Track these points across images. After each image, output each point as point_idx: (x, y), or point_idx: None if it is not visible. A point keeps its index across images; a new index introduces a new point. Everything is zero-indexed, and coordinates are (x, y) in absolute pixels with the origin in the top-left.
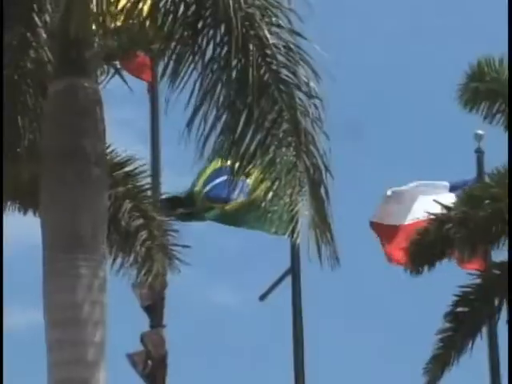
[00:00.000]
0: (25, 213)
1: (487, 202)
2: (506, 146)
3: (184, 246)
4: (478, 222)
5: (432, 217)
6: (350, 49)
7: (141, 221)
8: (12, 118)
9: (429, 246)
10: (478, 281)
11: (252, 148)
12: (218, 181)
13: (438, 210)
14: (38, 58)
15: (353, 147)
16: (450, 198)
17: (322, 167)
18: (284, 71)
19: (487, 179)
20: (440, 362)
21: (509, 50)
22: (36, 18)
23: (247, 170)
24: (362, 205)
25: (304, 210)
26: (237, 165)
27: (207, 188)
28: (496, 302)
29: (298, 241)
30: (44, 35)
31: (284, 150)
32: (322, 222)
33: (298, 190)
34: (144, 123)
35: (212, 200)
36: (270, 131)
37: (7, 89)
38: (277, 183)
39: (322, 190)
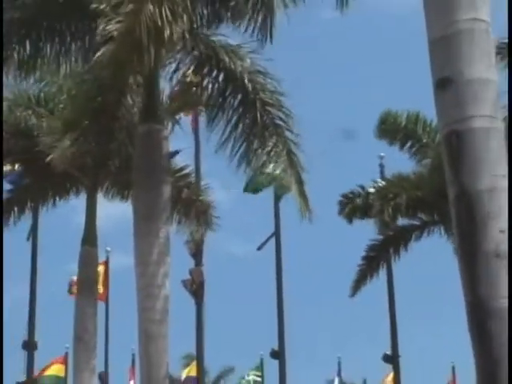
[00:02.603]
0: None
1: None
2: (400, 163)
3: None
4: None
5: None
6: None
7: (190, 200)
8: (117, 148)
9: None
10: (381, 237)
11: (263, 159)
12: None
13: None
14: (130, 111)
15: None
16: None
17: (301, 171)
18: (276, 118)
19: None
20: (357, 283)
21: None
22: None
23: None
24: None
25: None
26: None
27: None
28: (391, 251)
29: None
30: (133, 97)
31: (282, 159)
32: (302, 197)
33: (291, 180)
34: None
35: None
36: (272, 149)
37: (109, 133)
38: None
39: (304, 182)
